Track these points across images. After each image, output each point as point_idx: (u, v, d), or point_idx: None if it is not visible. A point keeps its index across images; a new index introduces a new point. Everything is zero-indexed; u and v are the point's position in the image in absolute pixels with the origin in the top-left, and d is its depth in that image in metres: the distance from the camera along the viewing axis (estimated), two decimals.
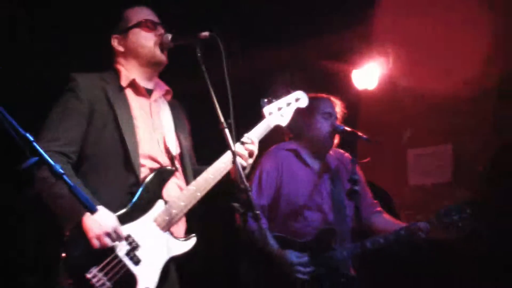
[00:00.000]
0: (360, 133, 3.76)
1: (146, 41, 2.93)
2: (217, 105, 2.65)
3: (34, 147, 2.00)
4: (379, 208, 3.97)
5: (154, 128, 2.95)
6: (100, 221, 2.56)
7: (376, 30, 4.97)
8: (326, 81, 4.72)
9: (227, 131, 2.62)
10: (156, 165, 2.87)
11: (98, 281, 2.56)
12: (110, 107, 2.81)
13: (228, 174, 2.92)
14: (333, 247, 3.71)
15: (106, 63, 3.04)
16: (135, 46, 2.94)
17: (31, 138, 2.00)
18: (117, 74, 2.95)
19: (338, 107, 3.94)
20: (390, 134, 5.17)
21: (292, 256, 3.60)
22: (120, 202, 2.73)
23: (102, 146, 2.78)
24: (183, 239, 2.86)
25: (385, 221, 3.93)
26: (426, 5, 4.92)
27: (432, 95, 4.89)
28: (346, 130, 3.78)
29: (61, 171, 2.01)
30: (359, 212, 3.63)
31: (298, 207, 3.77)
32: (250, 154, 2.91)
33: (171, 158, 2.96)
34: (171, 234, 2.81)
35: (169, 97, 3.11)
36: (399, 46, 5.11)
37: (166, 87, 3.09)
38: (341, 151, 4.03)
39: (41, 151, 2.00)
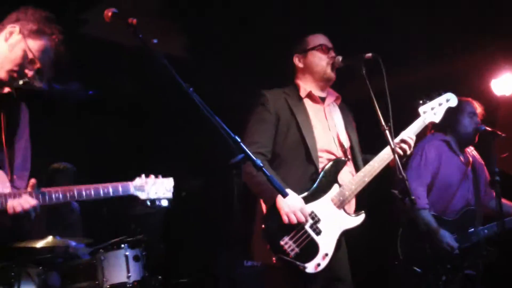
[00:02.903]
0: (499, 132, 4.11)
1: (321, 61, 3.57)
2: (378, 111, 3.19)
3: (241, 146, 2.42)
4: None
5: (329, 127, 3.55)
6: (289, 202, 3.18)
7: None
8: (469, 88, 5.17)
9: (387, 132, 3.13)
10: (332, 157, 3.45)
11: (289, 247, 3.16)
12: (292, 114, 3.46)
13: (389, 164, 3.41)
14: (475, 225, 4.13)
15: (281, 81, 3.66)
16: (311, 64, 3.59)
17: (238, 139, 2.43)
18: (296, 87, 3.61)
19: (480, 109, 4.30)
20: None
21: (445, 233, 4.00)
22: (304, 187, 3.33)
23: (288, 145, 3.43)
24: (354, 215, 3.41)
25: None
26: None
27: None
28: (487, 130, 4.17)
29: (261, 164, 2.43)
30: (499, 198, 3.95)
31: (450, 189, 4.19)
32: (409, 147, 3.41)
33: (344, 150, 3.52)
34: (345, 211, 3.37)
35: (338, 101, 3.70)
36: None
37: (336, 94, 3.68)
38: (472, 147, 4.44)
39: (246, 149, 2.41)
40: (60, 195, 2.70)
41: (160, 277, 5.21)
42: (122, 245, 5.06)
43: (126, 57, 6.12)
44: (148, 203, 2.99)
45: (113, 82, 6.75)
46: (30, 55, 2.71)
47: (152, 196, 2.97)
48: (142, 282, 5.00)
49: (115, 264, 4.94)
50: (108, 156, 6.70)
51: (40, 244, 4.78)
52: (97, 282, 4.86)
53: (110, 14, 2.49)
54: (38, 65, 2.75)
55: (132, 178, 2.97)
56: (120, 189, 2.87)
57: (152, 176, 3.01)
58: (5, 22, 2.79)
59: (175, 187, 3.03)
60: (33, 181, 2.68)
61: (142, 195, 2.94)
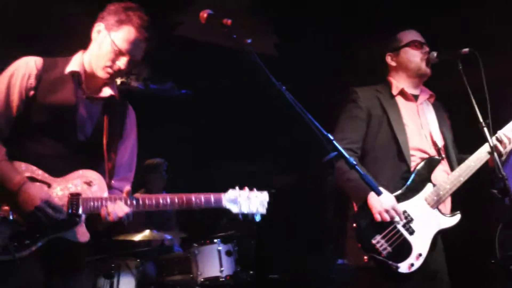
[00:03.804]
0: None
1: (414, 57, 3.47)
2: (476, 108, 3.07)
3: (334, 144, 2.37)
4: None
5: (422, 125, 3.45)
6: (381, 201, 3.11)
7: None
8: None
9: (485, 129, 3.02)
10: (425, 156, 3.35)
11: (381, 246, 3.09)
12: (384, 111, 3.39)
13: (486, 163, 3.29)
14: None
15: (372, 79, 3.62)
16: (405, 61, 3.50)
17: (331, 138, 2.38)
18: (388, 85, 3.53)
19: None
20: None
21: None
22: (395, 186, 3.25)
23: (379, 142, 3.36)
24: (450, 215, 3.30)
25: None
26: None
27: None
28: None
29: (354, 162, 2.37)
30: None
31: None
32: (503, 147, 3.27)
33: (438, 149, 3.41)
34: (439, 211, 3.27)
35: (432, 99, 3.59)
36: None
37: (430, 92, 3.58)
38: None
39: (339, 147, 2.37)
40: (153, 203, 2.76)
41: (251, 272, 5.29)
42: (215, 240, 5.17)
43: (219, 57, 6.24)
44: (240, 217, 2.93)
45: (207, 82, 6.91)
46: (116, 47, 2.73)
47: (245, 210, 2.91)
48: (234, 277, 5.11)
49: (209, 258, 5.09)
50: (201, 152, 6.87)
51: (138, 237, 4.99)
52: (191, 276, 5.02)
53: (205, 15, 2.54)
54: (126, 55, 2.75)
55: (225, 190, 2.91)
56: (212, 200, 2.84)
57: (247, 189, 2.95)
58: (94, 24, 2.87)
59: (268, 186, 2.99)
60: (128, 188, 2.75)
61: (234, 209, 2.89)
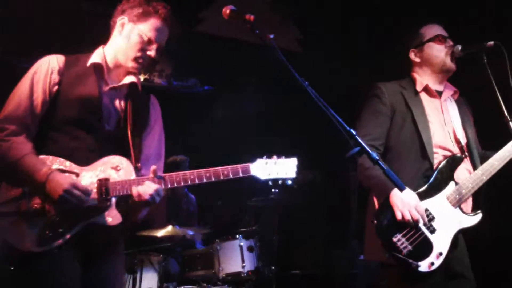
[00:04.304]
0: None
1: (439, 52, 3.41)
2: (501, 102, 3.02)
3: (357, 139, 2.37)
4: None
5: (445, 123, 3.39)
6: (404, 198, 3.04)
7: None
8: None
9: (511, 123, 2.98)
10: (447, 153, 3.29)
11: (401, 244, 3.03)
12: (407, 107, 3.33)
13: (510, 162, 3.22)
14: None
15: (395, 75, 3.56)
16: (429, 57, 3.44)
17: (354, 133, 2.37)
18: (412, 81, 3.47)
19: None
20: None
21: None
22: (417, 183, 3.19)
23: (402, 139, 3.29)
24: (472, 214, 3.24)
25: None
26: None
27: None
28: None
29: (377, 157, 2.36)
30: None
31: None
32: None
33: (461, 147, 3.35)
34: (461, 209, 3.22)
35: (456, 96, 3.51)
36: None
37: (454, 88, 3.50)
38: None
39: (362, 142, 2.35)
40: (181, 179, 2.80)
41: (273, 267, 5.29)
42: (237, 236, 5.19)
43: (242, 53, 6.24)
44: (270, 183, 2.91)
45: (229, 77, 6.91)
46: (146, 37, 2.85)
47: (273, 175, 2.88)
48: (256, 272, 5.12)
49: (231, 254, 5.10)
50: (222, 148, 6.88)
51: (160, 233, 5.02)
52: (213, 271, 5.04)
53: (228, 11, 2.55)
54: (155, 44, 2.87)
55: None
56: (240, 170, 2.83)
57: (275, 157, 2.93)
58: (114, 19, 2.96)
59: (297, 172, 2.91)
60: (154, 167, 2.80)
61: (262, 175, 2.86)
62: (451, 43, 3.44)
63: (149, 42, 2.87)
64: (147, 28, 2.87)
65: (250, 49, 4.65)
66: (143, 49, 2.86)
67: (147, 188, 2.71)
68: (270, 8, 6.26)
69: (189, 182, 2.79)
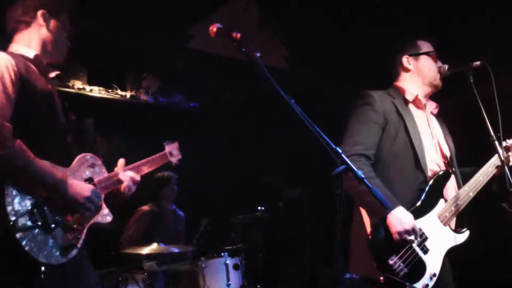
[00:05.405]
0: None
1: (433, 67, 3.41)
2: (487, 120, 3.02)
3: (342, 157, 2.33)
4: None
5: (432, 136, 3.36)
6: (401, 219, 2.95)
7: None
8: None
9: (496, 143, 2.98)
10: (436, 168, 3.25)
11: (398, 266, 2.94)
12: (400, 118, 3.25)
13: (494, 177, 3.25)
14: None
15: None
16: (424, 68, 3.43)
17: (340, 151, 2.33)
18: (398, 91, 3.42)
19: None
20: None
21: None
22: (411, 197, 3.13)
23: (395, 150, 3.19)
24: (460, 232, 3.22)
25: None
26: None
27: None
28: None
29: (362, 176, 2.31)
30: None
31: None
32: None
33: (446, 162, 3.32)
34: (450, 228, 3.19)
35: (436, 110, 3.49)
36: None
37: (435, 103, 3.49)
38: None
39: (347, 160, 2.32)
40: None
41: (259, 286, 5.26)
42: (223, 254, 5.16)
43: (228, 70, 6.25)
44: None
45: (216, 94, 6.91)
46: (68, 28, 2.88)
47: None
48: None
49: (216, 272, 5.07)
50: (210, 164, 6.86)
51: (145, 250, 4.97)
52: None
53: (215, 29, 2.53)
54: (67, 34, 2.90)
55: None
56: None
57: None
58: (26, 12, 2.78)
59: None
60: (122, 161, 2.93)
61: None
62: (440, 63, 3.47)
63: (68, 34, 2.90)
64: (66, 21, 2.89)
65: (237, 66, 4.64)
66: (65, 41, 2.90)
67: (134, 175, 2.90)
68: (258, 26, 6.29)
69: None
